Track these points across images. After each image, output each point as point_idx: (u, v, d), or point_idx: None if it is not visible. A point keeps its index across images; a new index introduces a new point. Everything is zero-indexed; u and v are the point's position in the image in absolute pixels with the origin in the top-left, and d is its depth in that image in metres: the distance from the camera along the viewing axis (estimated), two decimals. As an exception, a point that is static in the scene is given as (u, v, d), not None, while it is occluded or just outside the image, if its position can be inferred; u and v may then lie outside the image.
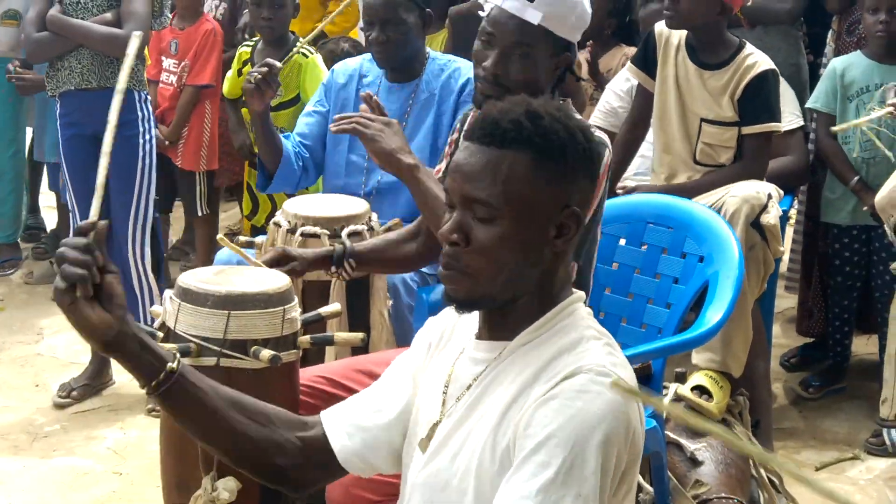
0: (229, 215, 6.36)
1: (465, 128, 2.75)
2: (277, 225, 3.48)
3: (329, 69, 4.32)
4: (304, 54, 4.70)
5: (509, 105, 1.83)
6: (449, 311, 2.04)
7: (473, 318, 1.93)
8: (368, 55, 3.99)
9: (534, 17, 2.72)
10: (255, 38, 4.94)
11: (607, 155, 2.70)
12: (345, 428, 1.98)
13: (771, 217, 3.62)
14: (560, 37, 2.78)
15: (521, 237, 1.80)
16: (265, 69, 3.53)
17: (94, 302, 1.69)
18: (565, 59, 2.84)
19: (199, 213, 5.66)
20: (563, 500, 1.66)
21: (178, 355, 1.88)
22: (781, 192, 3.92)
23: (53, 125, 5.31)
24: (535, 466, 1.68)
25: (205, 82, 5.41)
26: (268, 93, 3.58)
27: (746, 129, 3.80)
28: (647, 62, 3.96)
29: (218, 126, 5.53)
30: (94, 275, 1.67)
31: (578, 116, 2.79)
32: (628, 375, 1.79)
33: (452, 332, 1.99)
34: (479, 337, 1.90)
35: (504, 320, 1.87)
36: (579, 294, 1.91)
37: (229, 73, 5.04)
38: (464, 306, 1.87)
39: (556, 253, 1.84)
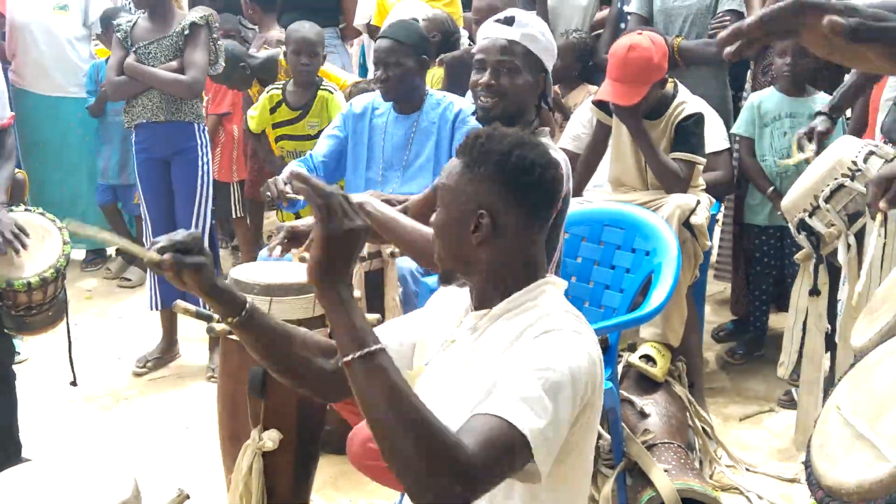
0: (271, 221, 6.37)
1: None
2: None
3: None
4: (329, 91, 4.70)
5: (478, 130, 1.89)
6: (452, 288, 2.08)
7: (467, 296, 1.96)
8: None
9: (514, 34, 2.75)
10: (282, 82, 4.89)
11: (566, 170, 2.70)
12: None
13: (698, 218, 3.60)
14: (536, 56, 2.78)
15: (449, 222, 1.86)
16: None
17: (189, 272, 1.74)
18: (543, 80, 2.82)
19: (234, 216, 5.65)
20: (542, 416, 1.62)
21: (248, 300, 1.88)
22: (711, 199, 3.92)
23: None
24: (523, 386, 1.65)
25: (223, 111, 5.44)
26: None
27: (674, 154, 3.77)
28: (605, 103, 3.92)
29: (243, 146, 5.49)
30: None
31: (548, 141, 2.81)
32: (593, 340, 1.80)
33: (450, 302, 2.01)
34: (476, 307, 1.91)
35: (484, 296, 1.88)
36: (554, 280, 1.91)
37: (252, 112, 4.84)
38: (440, 276, 1.97)
39: (481, 245, 1.83)
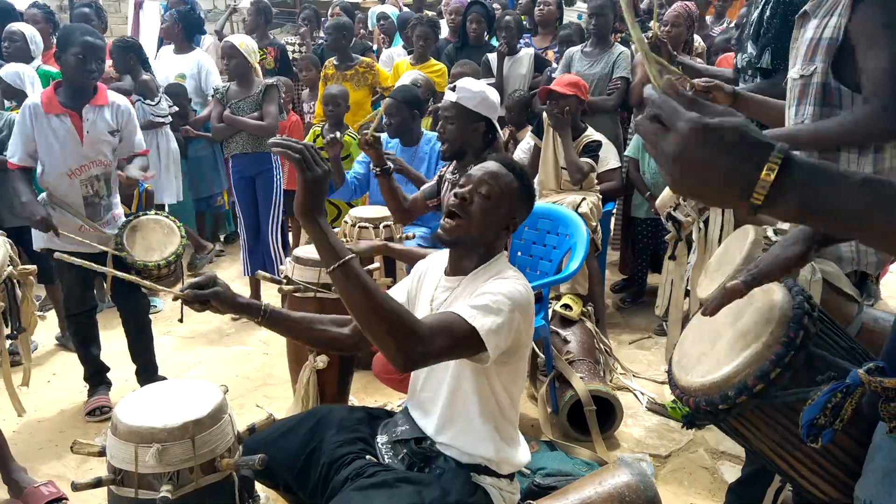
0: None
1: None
2: (346, 222, 3.48)
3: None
4: (352, 137, 4.66)
5: (506, 158, 1.85)
6: (430, 258, 1.99)
7: (443, 263, 1.88)
8: None
9: (453, 97, 2.72)
10: (322, 123, 4.82)
11: None
12: None
13: (583, 208, 3.63)
14: (472, 111, 2.72)
15: (495, 214, 1.77)
16: (334, 137, 3.54)
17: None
18: (481, 126, 2.75)
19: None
20: (488, 317, 1.58)
21: (267, 305, 1.78)
22: (600, 197, 3.89)
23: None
24: (477, 301, 1.61)
25: None
26: (337, 146, 3.55)
27: (581, 158, 3.77)
28: (539, 132, 3.94)
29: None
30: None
31: None
32: (528, 283, 1.75)
33: (431, 269, 1.95)
34: (447, 274, 1.86)
35: (461, 264, 1.82)
36: (504, 252, 1.88)
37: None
38: (449, 243, 1.78)
39: (501, 234, 1.82)
